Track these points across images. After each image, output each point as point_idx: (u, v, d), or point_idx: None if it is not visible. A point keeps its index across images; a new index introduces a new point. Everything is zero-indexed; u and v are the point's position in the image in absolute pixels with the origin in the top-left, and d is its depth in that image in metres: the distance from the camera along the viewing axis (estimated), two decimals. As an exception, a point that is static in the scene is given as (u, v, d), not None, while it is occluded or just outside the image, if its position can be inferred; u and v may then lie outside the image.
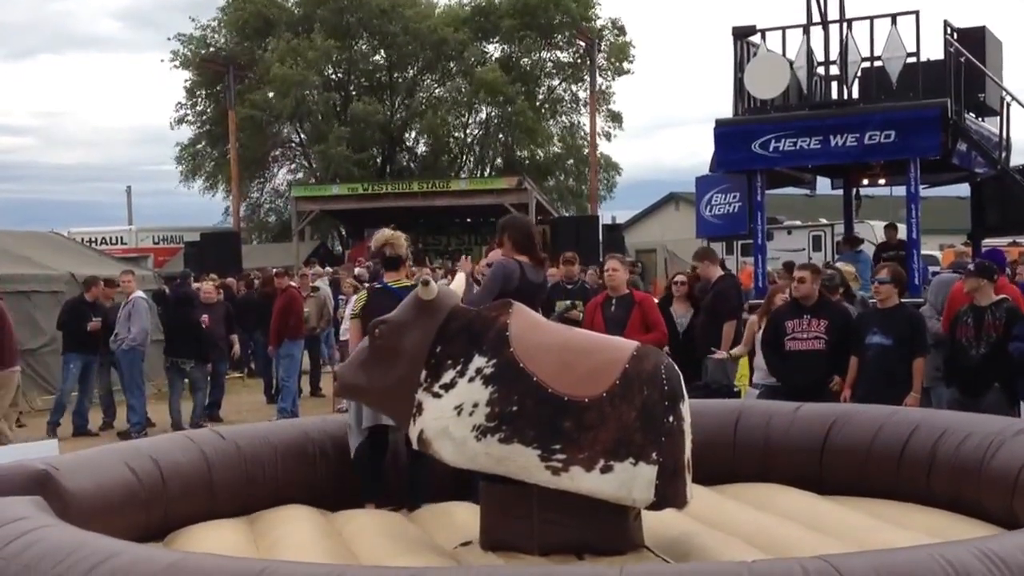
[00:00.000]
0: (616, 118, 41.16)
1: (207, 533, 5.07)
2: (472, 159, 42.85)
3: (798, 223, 29.66)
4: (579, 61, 40.13)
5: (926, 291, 11.03)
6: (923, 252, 13.59)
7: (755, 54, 12.55)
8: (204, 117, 41.93)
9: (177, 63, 40.32)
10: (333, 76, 41.93)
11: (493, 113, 39.89)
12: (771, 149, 12.21)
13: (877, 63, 12.22)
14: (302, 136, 42.69)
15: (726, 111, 12.92)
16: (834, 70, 12.63)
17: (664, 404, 4.48)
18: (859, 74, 12.35)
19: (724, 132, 12.63)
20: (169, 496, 5.13)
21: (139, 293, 12.98)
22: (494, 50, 41.34)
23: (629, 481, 4.39)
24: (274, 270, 16.50)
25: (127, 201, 50.22)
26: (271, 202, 45.28)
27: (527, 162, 39.38)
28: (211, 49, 40.39)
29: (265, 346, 14.50)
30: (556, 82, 42.40)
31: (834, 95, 12.62)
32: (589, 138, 35.60)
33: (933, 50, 12.23)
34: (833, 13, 12.43)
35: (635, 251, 30.93)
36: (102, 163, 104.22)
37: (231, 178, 36.51)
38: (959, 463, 5.09)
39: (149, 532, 5.00)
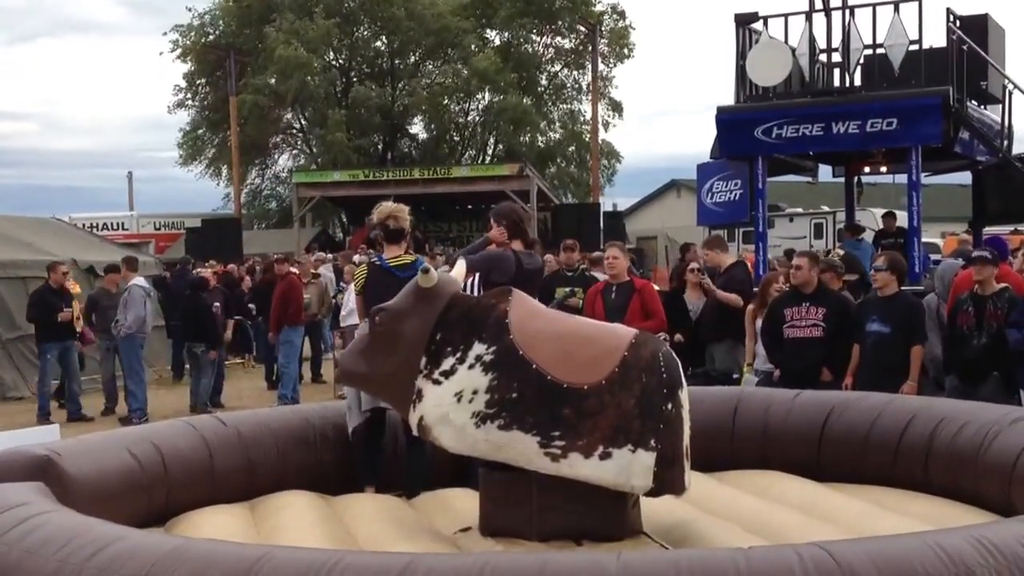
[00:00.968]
0: (617, 107, 41.06)
1: (208, 518, 5.09)
2: (474, 146, 42.77)
3: (799, 210, 29.64)
4: (581, 47, 40.03)
5: (927, 279, 11.05)
6: (924, 240, 13.61)
7: (757, 41, 12.53)
8: (204, 103, 41.84)
9: (177, 54, 40.16)
10: (335, 62, 41.85)
11: (493, 100, 39.76)
12: (773, 136, 12.21)
13: (879, 50, 12.20)
14: (303, 122, 42.63)
15: (728, 98, 12.92)
16: (836, 57, 12.61)
17: (663, 391, 4.50)
18: (861, 61, 12.33)
19: (726, 119, 12.63)
20: (170, 482, 5.16)
21: (137, 280, 13.01)
22: (494, 37, 41.21)
23: (628, 468, 4.42)
24: (275, 256, 16.55)
25: (128, 187, 50.31)
26: (272, 188, 45.27)
27: (525, 148, 39.24)
28: (211, 37, 40.27)
29: (266, 332, 14.53)
30: (558, 68, 42.30)
31: (836, 82, 12.60)
32: (590, 125, 35.54)
33: (935, 37, 12.23)
34: (835, 0, 12.41)
35: (636, 238, 30.94)
36: (103, 149, 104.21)
37: (232, 164, 36.48)
38: (956, 451, 5.10)
39: (150, 517, 5.02)
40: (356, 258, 18.56)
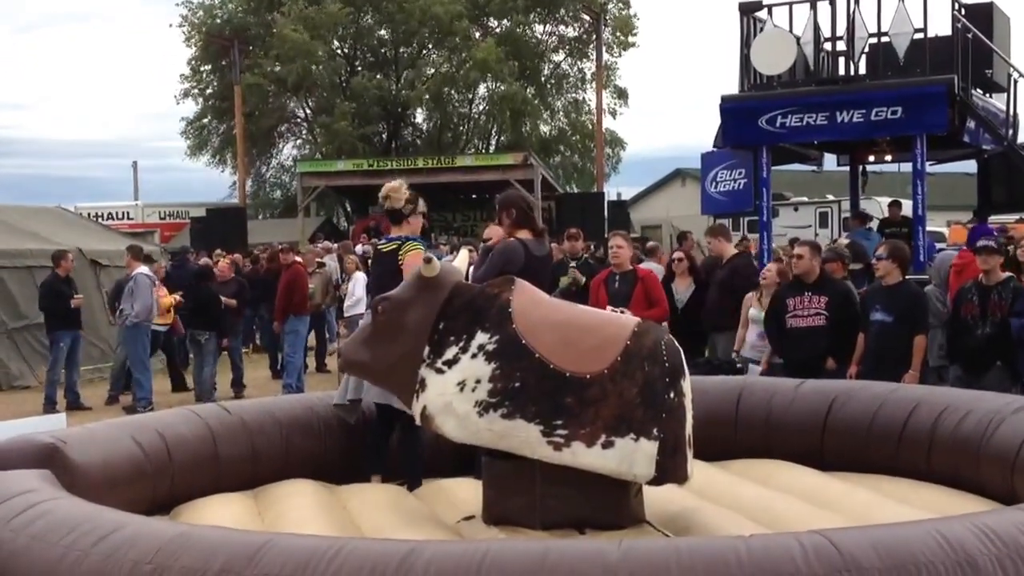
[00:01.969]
0: (622, 95, 41.01)
1: (212, 506, 5.12)
2: (477, 135, 42.73)
3: (804, 199, 29.62)
4: (584, 36, 39.95)
5: (931, 268, 11.04)
6: (930, 229, 13.59)
7: (762, 30, 12.51)
8: (209, 91, 41.86)
9: (186, 29, 40.22)
10: (340, 50, 41.82)
11: (495, 90, 39.70)
12: (777, 125, 12.21)
13: (884, 39, 12.18)
14: (308, 111, 42.62)
15: (732, 87, 12.90)
16: (841, 46, 12.59)
17: (665, 380, 4.51)
18: (866, 50, 12.31)
19: (730, 108, 12.62)
20: (175, 470, 5.18)
21: (142, 269, 13.01)
22: (495, 26, 41.10)
23: (630, 456, 4.43)
24: (279, 246, 16.55)
25: (133, 176, 50.42)
26: (276, 177, 45.29)
27: (528, 137, 39.17)
28: (217, 21, 40.27)
29: (271, 322, 14.55)
30: (561, 57, 42.24)
31: (841, 71, 12.60)
32: (595, 114, 35.47)
33: (940, 26, 12.21)
34: (839, -11, 12.39)
35: (640, 227, 30.93)
36: (108, 138, 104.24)
37: (236, 154, 36.51)
38: (959, 440, 5.11)
39: (155, 505, 5.05)
40: (358, 248, 18.56)
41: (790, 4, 12.58)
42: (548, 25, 41.36)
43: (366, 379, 5.39)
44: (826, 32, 12.54)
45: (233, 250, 20.87)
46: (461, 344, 4.63)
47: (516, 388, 4.51)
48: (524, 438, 4.50)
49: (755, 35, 12.48)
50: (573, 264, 10.10)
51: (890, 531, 3.23)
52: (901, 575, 2.97)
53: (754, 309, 8.73)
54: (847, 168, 15.60)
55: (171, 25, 41.62)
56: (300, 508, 5.05)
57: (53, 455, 4.57)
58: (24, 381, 14.51)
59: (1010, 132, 13.09)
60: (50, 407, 12.02)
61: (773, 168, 12.97)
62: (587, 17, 36.24)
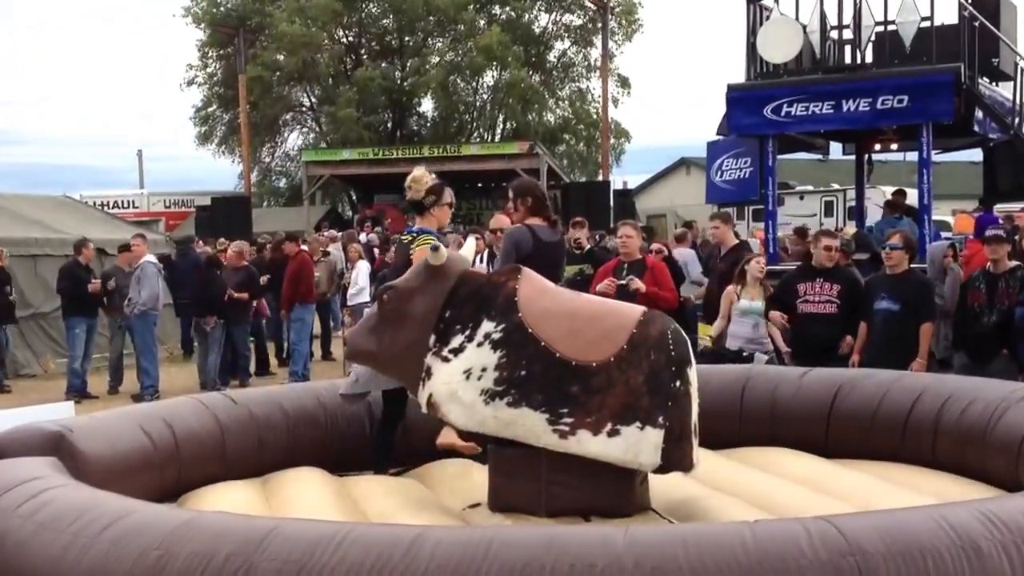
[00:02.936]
0: (625, 83, 40.92)
1: (219, 493, 5.13)
2: (483, 124, 42.69)
3: (810, 188, 29.58)
4: (590, 24, 39.87)
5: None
6: (935, 218, 13.57)
7: (768, 18, 12.48)
8: (214, 79, 41.86)
9: (189, 19, 40.26)
10: (343, 39, 41.77)
11: (500, 78, 39.65)
12: (783, 114, 12.17)
13: (890, 27, 12.14)
14: (312, 100, 42.60)
15: (738, 75, 12.87)
16: (847, 34, 12.55)
17: (671, 369, 4.51)
18: (872, 38, 12.27)
19: (736, 96, 12.59)
20: (182, 459, 5.19)
21: (149, 257, 13.06)
22: (499, 13, 41.02)
23: (636, 445, 4.43)
24: (284, 234, 16.58)
25: (138, 165, 50.41)
26: (282, 166, 45.32)
27: (533, 126, 39.10)
28: (221, 9, 40.26)
29: (276, 310, 14.57)
30: (567, 45, 42.18)
31: (847, 59, 12.55)
32: (600, 102, 35.44)
33: (947, 14, 12.15)
34: (847, -23, 12.35)
35: (646, 216, 30.89)
36: (113, 127, 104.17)
37: (242, 142, 36.52)
38: (964, 428, 5.12)
39: (162, 495, 5.06)
40: (362, 236, 18.56)
41: (796, -8, 12.55)
42: (554, 14, 41.28)
43: (371, 367, 5.40)
44: (832, 20, 12.50)
45: (238, 239, 20.82)
46: (467, 333, 4.64)
47: (522, 376, 4.52)
48: (530, 426, 4.51)
49: (761, 23, 12.43)
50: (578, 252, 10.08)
51: (895, 517, 3.24)
52: (906, 561, 2.98)
53: (744, 301, 8.57)
54: (853, 157, 15.55)
55: (174, 15, 41.70)
56: (306, 495, 5.07)
57: (60, 443, 4.59)
58: (31, 370, 14.56)
59: (1016, 121, 13.05)
60: (74, 395, 12.05)
61: (779, 157, 12.93)
62: (591, 5, 36.14)
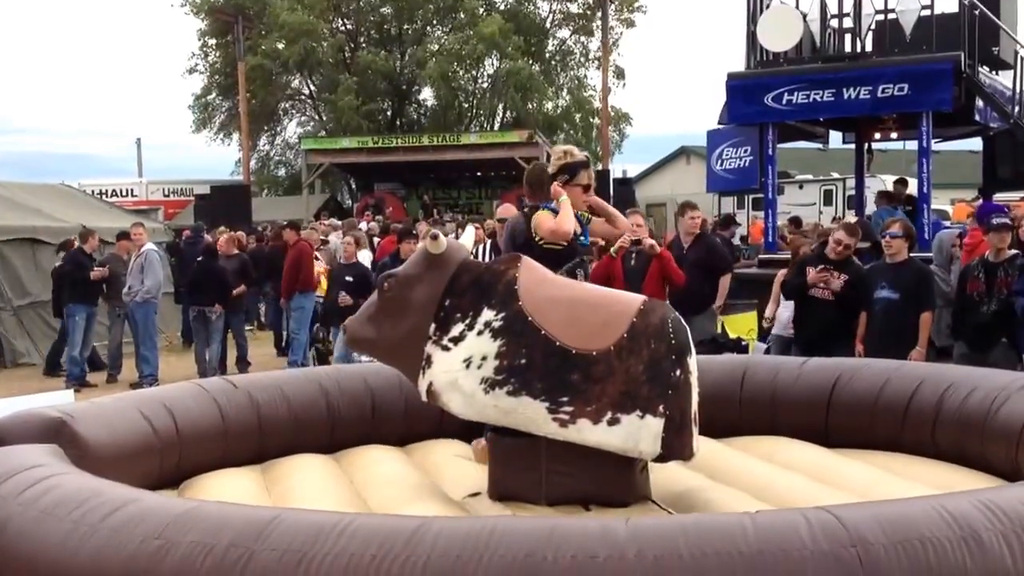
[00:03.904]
0: (620, 74, 40.76)
1: (220, 481, 5.13)
2: (482, 113, 42.64)
3: (809, 177, 29.57)
4: (589, 12, 39.77)
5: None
6: (935, 207, 13.57)
7: (768, 6, 12.47)
8: (214, 67, 41.78)
9: (188, 8, 40.17)
10: (342, 27, 41.67)
11: (501, 66, 39.56)
12: (784, 102, 12.18)
13: (891, 15, 12.13)
14: (312, 88, 42.53)
15: (738, 64, 12.86)
16: (847, 22, 12.54)
17: (671, 357, 4.51)
18: (872, 27, 12.27)
19: (736, 85, 12.59)
20: (183, 444, 5.18)
21: (151, 245, 13.05)
22: (499, 1, 40.92)
23: (636, 433, 4.43)
24: (285, 223, 16.57)
25: (137, 153, 50.36)
26: (281, 154, 45.25)
27: (533, 114, 39.02)
28: (220, -1, 40.20)
29: (276, 299, 14.55)
30: (567, 34, 42.08)
31: (847, 48, 12.55)
32: (600, 91, 35.38)
33: (947, 3, 12.16)
34: (847, -35, 12.34)
35: (646, 205, 30.87)
36: (112, 115, 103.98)
37: (241, 131, 36.47)
38: (964, 417, 5.11)
39: (163, 480, 5.06)
40: (362, 225, 18.56)
41: (797, -20, 12.53)
42: (554, 2, 41.19)
43: (371, 355, 5.40)
44: (833, 9, 12.50)
45: (237, 228, 20.83)
46: (467, 321, 4.64)
47: (522, 365, 4.52)
48: (530, 415, 4.51)
49: (761, 12, 12.43)
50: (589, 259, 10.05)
51: (895, 507, 3.24)
52: (906, 551, 2.99)
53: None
54: (852, 146, 15.56)
55: (172, 5, 41.52)
56: (307, 483, 5.07)
57: (61, 429, 4.58)
58: (29, 359, 14.56)
59: (1016, 109, 13.05)
60: (74, 383, 12.05)
61: (779, 145, 12.93)
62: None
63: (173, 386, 5.92)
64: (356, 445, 5.84)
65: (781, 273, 9.03)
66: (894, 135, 14.69)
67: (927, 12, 11.90)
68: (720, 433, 5.69)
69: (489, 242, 10.70)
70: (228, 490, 4.85)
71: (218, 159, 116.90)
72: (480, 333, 4.61)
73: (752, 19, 12.49)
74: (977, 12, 11.92)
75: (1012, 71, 13.18)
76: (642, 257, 8.67)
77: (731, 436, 5.83)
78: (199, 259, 13.72)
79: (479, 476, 4.98)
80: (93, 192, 26.50)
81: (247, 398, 5.62)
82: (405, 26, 41.60)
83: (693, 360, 4.63)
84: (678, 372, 4.52)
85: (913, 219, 11.11)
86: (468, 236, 5.42)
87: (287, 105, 43.39)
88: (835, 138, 15.66)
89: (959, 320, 8.26)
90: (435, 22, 41.58)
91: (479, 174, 35.68)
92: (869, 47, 12.34)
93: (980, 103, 12.10)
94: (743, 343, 9.33)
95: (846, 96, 11.91)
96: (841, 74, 11.97)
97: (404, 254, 9.52)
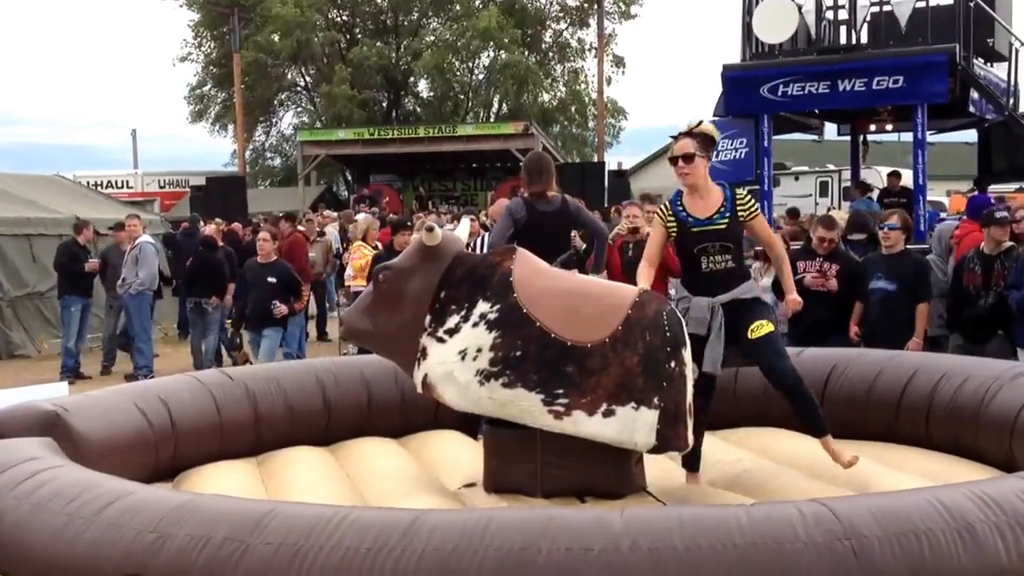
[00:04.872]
0: (619, 63, 40.71)
1: (216, 474, 5.14)
2: (478, 104, 42.55)
3: (805, 169, 29.54)
4: (585, 4, 39.68)
5: (931, 238, 11.04)
6: (930, 198, 13.58)
7: (763, -2, 12.45)
8: (208, 57, 41.66)
9: (181, 1, 40.03)
10: (337, 18, 41.57)
11: (497, 57, 39.47)
12: (779, 94, 12.17)
13: (886, 7, 12.13)
14: (307, 80, 42.43)
15: (734, 56, 12.85)
16: (843, 14, 12.53)
17: (666, 349, 4.51)
18: (868, 18, 12.26)
19: (732, 77, 12.57)
20: (178, 437, 5.19)
21: (146, 237, 13.00)
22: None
23: (631, 425, 4.44)
24: (281, 215, 16.52)
25: (132, 145, 50.17)
26: (277, 146, 45.15)
27: (528, 106, 38.94)
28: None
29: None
30: (563, 26, 41.98)
31: (843, 40, 12.54)
32: (596, 83, 35.28)
33: (943, -6, 12.15)
34: (842, -43, 12.32)
35: (640, 197, 30.81)
36: (107, 107, 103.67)
37: (236, 122, 36.39)
38: (958, 407, 5.13)
39: (158, 473, 5.07)
40: (359, 216, 18.55)
41: (793, -28, 12.51)
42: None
43: (367, 347, 5.40)
44: (828, 1, 12.47)
45: (233, 219, 20.78)
46: (463, 313, 4.64)
47: (517, 357, 4.53)
48: (525, 407, 4.52)
49: (757, 3, 12.41)
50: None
51: (890, 499, 3.25)
52: (901, 543, 3.00)
53: (766, 279, 8.65)
54: (848, 137, 15.57)
55: None
56: (303, 476, 5.07)
57: (56, 423, 4.58)
58: (25, 350, 14.53)
59: (1011, 102, 13.05)
60: (68, 376, 12.01)
61: (774, 137, 12.93)
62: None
63: (168, 378, 5.92)
64: (352, 437, 5.84)
65: (756, 266, 8.97)
66: (889, 127, 14.68)
67: (922, 4, 11.90)
68: (715, 425, 5.69)
69: (484, 235, 10.70)
70: (224, 483, 4.85)
71: (214, 150, 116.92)
72: (475, 325, 4.62)
73: (748, 11, 12.48)
74: (972, 4, 11.92)
75: (1007, 63, 13.18)
76: (640, 248, 8.66)
77: (726, 428, 5.84)
78: (197, 250, 13.68)
79: (475, 467, 4.98)
80: (88, 183, 26.38)
81: (243, 390, 5.62)
82: (401, 17, 41.49)
83: (688, 352, 4.63)
84: (673, 364, 4.52)
85: (908, 211, 11.09)
86: (463, 228, 5.43)
87: (283, 97, 43.29)
88: (830, 130, 15.67)
89: (955, 312, 8.25)
90: (431, 13, 41.47)
91: (475, 166, 35.59)
92: (864, 39, 12.33)
93: (975, 95, 12.10)
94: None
95: (841, 88, 11.91)
96: (836, 66, 11.96)
97: (399, 246, 9.49)
